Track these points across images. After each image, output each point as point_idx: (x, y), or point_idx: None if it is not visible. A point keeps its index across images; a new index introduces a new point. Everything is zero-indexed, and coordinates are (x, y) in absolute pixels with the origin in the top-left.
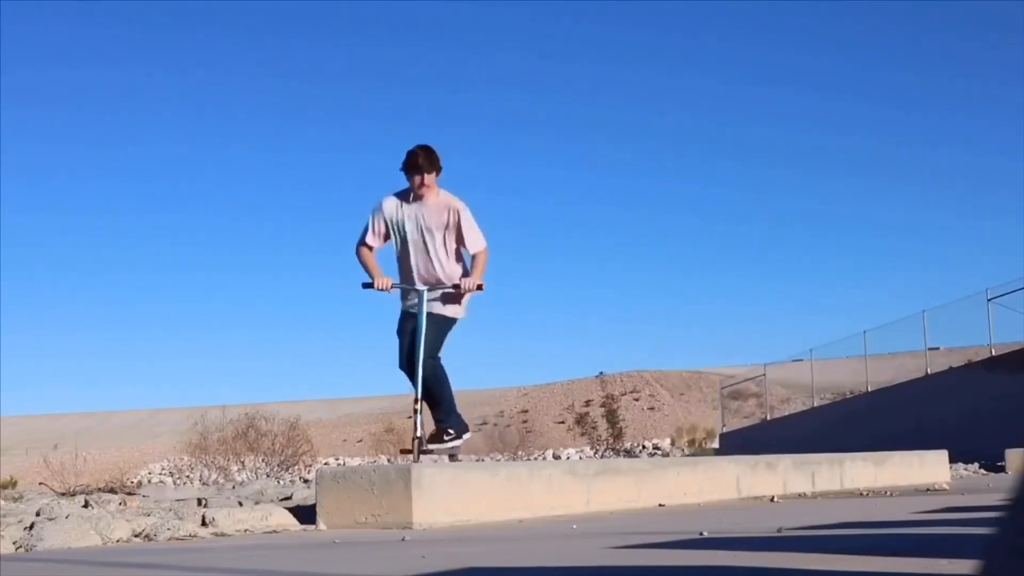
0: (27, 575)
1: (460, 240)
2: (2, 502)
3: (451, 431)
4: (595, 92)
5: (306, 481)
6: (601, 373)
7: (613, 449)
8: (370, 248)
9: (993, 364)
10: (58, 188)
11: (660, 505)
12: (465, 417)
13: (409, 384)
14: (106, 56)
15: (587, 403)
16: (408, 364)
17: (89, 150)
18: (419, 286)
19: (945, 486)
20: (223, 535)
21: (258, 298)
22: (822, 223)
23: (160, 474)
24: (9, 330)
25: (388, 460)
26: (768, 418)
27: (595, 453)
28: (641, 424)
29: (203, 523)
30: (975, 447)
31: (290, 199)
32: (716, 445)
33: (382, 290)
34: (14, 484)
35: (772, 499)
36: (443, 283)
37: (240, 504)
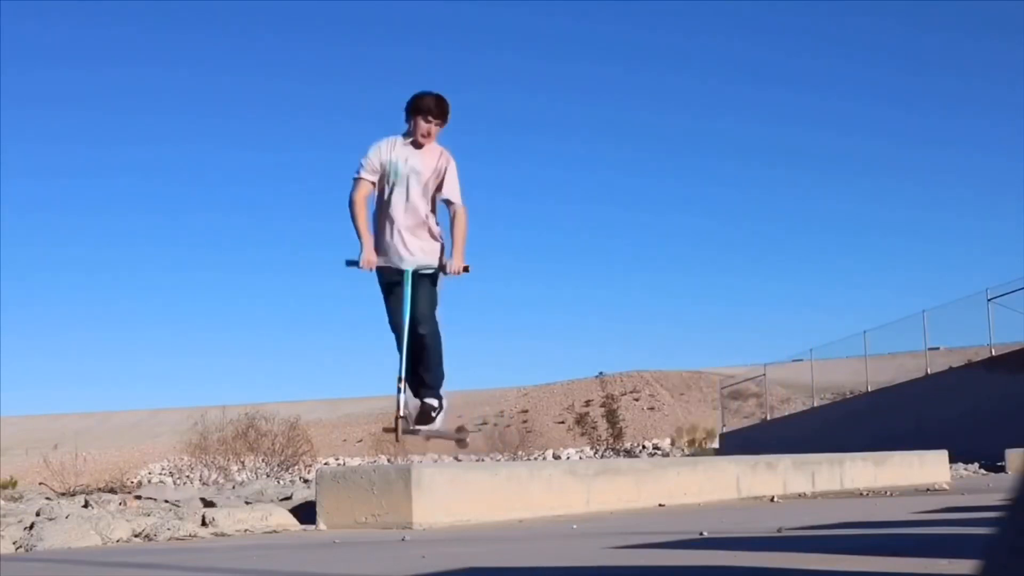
0: (27, 575)
1: (441, 189)
2: (2, 502)
3: (436, 407)
4: (595, 92)
5: (306, 481)
6: (601, 373)
7: (613, 449)
8: (368, 186)
9: (993, 364)
10: (58, 188)
11: (660, 505)
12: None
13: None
14: (106, 56)
15: (587, 403)
16: (397, 325)
17: (89, 150)
18: (403, 250)
19: (945, 486)
20: (223, 535)
21: (258, 298)
22: (822, 223)
23: (160, 474)
24: (9, 330)
25: (388, 460)
26: (768, 418)
27: (595, 453)
28: (641, 424)
29: (203, 523)
30: (975, 447)
31: (290, 199)
32: (716, 445)
33: (365, 269)
34: (14, 484)
35: (772, 499)
36: (423, 226)
37: (247, 503)
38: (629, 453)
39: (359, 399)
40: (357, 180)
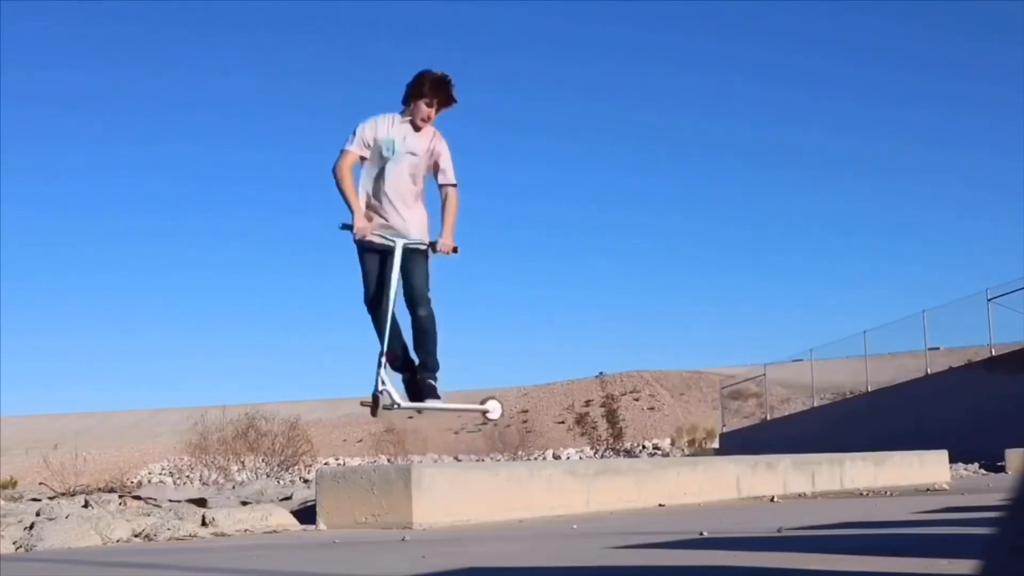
0: (27, 575)
1: (434, 170)
2: (2, 502)
3: (435, 381)
4: (595, 92)
5: (306, 481)
6: (601, 373)
7: (613, 449)
8: (354, 158)
9: (993, 364)
10: (58, 188)
11: (660, 505)
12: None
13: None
14: (105, 55)
15: (587, 403)
16: (377, 302)
17: (89, 150)
18: (398, 222)
19: (945, 486)
20: (223, 535)
21: (258, 298)
22: (822, 223)
23: (160, 474)
24: (9, 330)
25: (388, 460)
26: (768, 418)
27: (595, 453)
28: (641, 424)
29: (203, 523)
30: (975, 447)
31: (290, 199)
32: (716, 445)
33: (359, 236)
34: (14, 484)
35: (772, 499)
36: (416, 201)
37: (246, 503)
38: (629, 453)
39: (359, 399)
40: (345, 152)
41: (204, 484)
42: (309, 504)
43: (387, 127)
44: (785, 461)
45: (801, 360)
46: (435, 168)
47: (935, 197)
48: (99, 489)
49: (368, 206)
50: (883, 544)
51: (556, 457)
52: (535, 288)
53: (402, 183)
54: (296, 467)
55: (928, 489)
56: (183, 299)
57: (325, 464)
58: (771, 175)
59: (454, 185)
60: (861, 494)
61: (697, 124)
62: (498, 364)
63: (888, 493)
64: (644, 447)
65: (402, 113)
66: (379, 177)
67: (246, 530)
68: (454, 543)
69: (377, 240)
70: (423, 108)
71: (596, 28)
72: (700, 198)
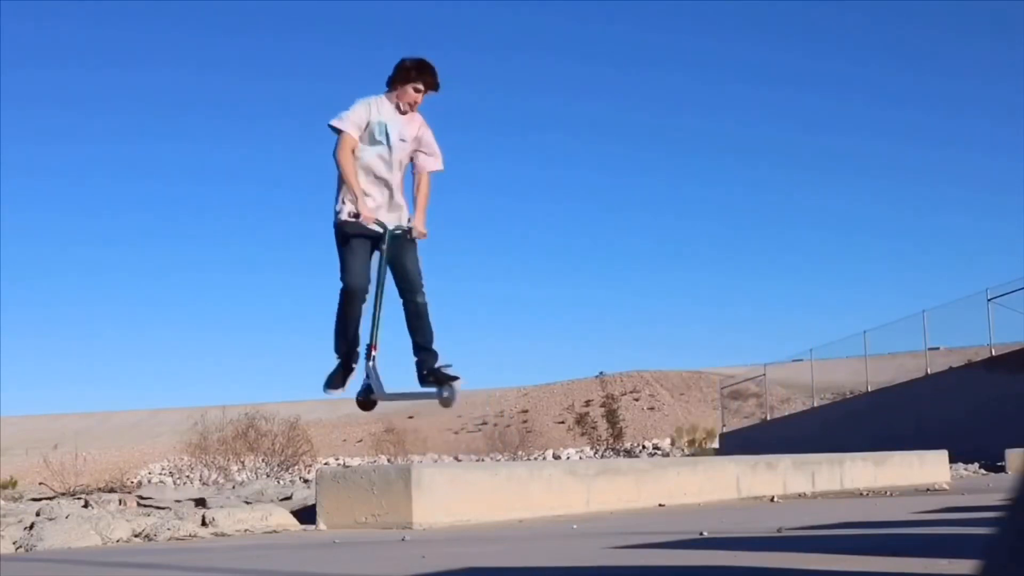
0: (27, 575)
1: (418, 155)
2: (2, 502)
3: (448, 366)
4: (594, 93)
5: (306, 481)
6: (601, 373)
7: (613, 449)
8: (354, 141)
9: (993, 364)
10: (58, 188)
11: (660, 505)
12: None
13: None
14: (107, 57)
15: (587, 403)
16: (364, 289)
17: (89, 150)
18: (391, 206)
19: (945, 486)
20: (223, 535)
21: (258, 298)
22: (822, 223)
23: (160, 474)
24: (9, 330)
25: (388, 460)
26: (768, 418)
27: (595, 453)
28: (641, 424)
29: (203, 523)
30: (975, 447)
31: (289, 199)
32: (716, 445)
33: (365, 223)
34: (14, 484)
35: (772, 499)
36: (400, 187)
37: (247, 503)
38: (629, 453)
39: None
40: (344, 133)
41: (204, 484)
42: (309, 504)
43: (378, 110)
44: (785, 461)
45: (801, 360)
46: (419, 154)
47: (935, 197)
48: (99, 489)
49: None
50: (883, 544)
51: (556, 457)
52: (535, 288)
53: (392, 171)
54: (296, 467)
55: (928, 489)
56: (183, 299)
57: (325, 464)
58: (771, 175)
59: (437, 171)
60: (861, 494)
61: (697, 124)
62: (498, 364)
63: (888, 493)
64: (644, 447)
65: (387, 97)
66: (368, 163)
67: (246, 530)
68: (454, 543)
69: (371, 224)
70: (411, 93)
71: (596, 29)
72: (700, 198)
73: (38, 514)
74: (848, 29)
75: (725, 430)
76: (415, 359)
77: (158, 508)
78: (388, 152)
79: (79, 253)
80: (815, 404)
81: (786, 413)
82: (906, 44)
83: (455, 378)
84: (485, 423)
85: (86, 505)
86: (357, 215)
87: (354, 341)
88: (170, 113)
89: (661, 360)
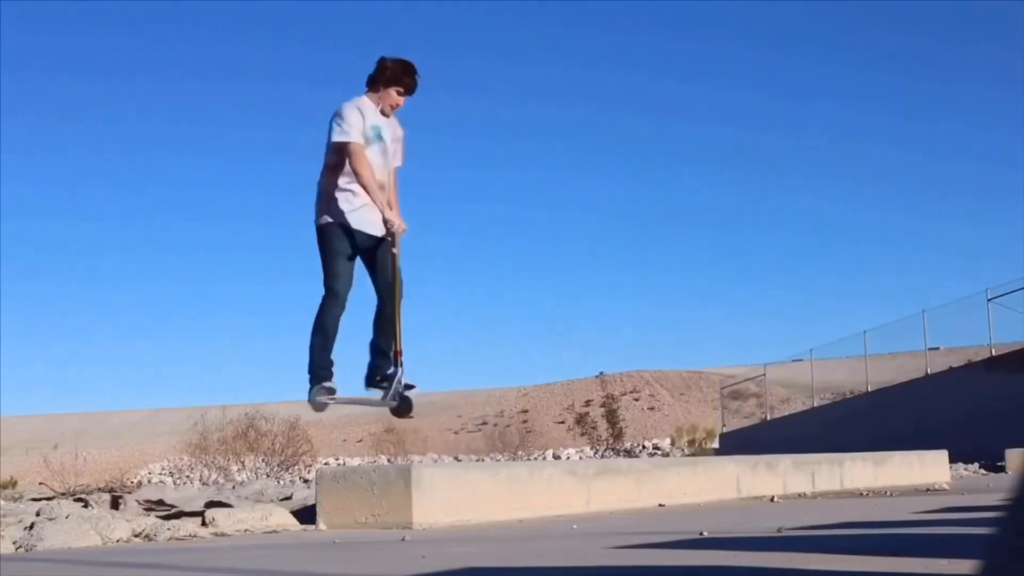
0: (27, 575)
1: (395, 156)
2: (2, 502)
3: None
4: (594, 97)
5: (306, 481)
6: (601, 373)
7: (613, 449)
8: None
9: (993, 364)
10: (58, 188)
11: (660, 505)
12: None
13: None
14: (112, 62)
15: (587, 403)
16: (345, 293)
17: (88, 153)
18: (386, 214)
19: (945, 486)
20: (223, 535)
21: (258, 298)
22: (822, 223)
23: (160, 474)
24: (9, 330)
25: (388, 460)
26: (768, 418)
27: (595, 453)
28: (641, 424)
29: (203, 523)
30: (975, 447)
31: (288, 200)
32: (716, 445)
33: (350, 229)
34: (14, 484)
35: (772, 499)
36: (390, 192)
37: (250, 500)
38: (629, 453)
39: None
40: (358, 145)
41: (204, 484)
42: (309, 504)
43: (371, 113)
44: (785, 461)
45: (801, 360)
46: (396, 155)
47: (935, 197)
48: (99, 489)
49: (345, 199)
50: (883, 544)
51: (556, 457)
52: (536, 288)
53: (380, 172)
54: (296, 467)
55: (928, 489)
56: (183, 299)
57: (325, 464)
58: (771, 177)
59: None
60: (861, 494)
61: (696, 127)
62: (498, 364)
63: (888, 493)
64: (644, 447)
65: (370, 99)
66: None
67: (246, 530)
68: (454, 543)
69: (366, 229)
70: (394, 96)
71: (598, 33)
72: (700, 199)
73: (38, 514)
74: (847, 35)
75: (725, 430)
76: (372, 361)
77: (164, 515)
78: (383, 156)
79: (79, 253)
80: (815, 404)
81: (786, 413)
82: (906, 50)
83: (409, 386)
84: (485, 423)
85: (86, 505)
86: (388, 227)
87: (330, 352)
88: (169, 117)
89: (661, 360)
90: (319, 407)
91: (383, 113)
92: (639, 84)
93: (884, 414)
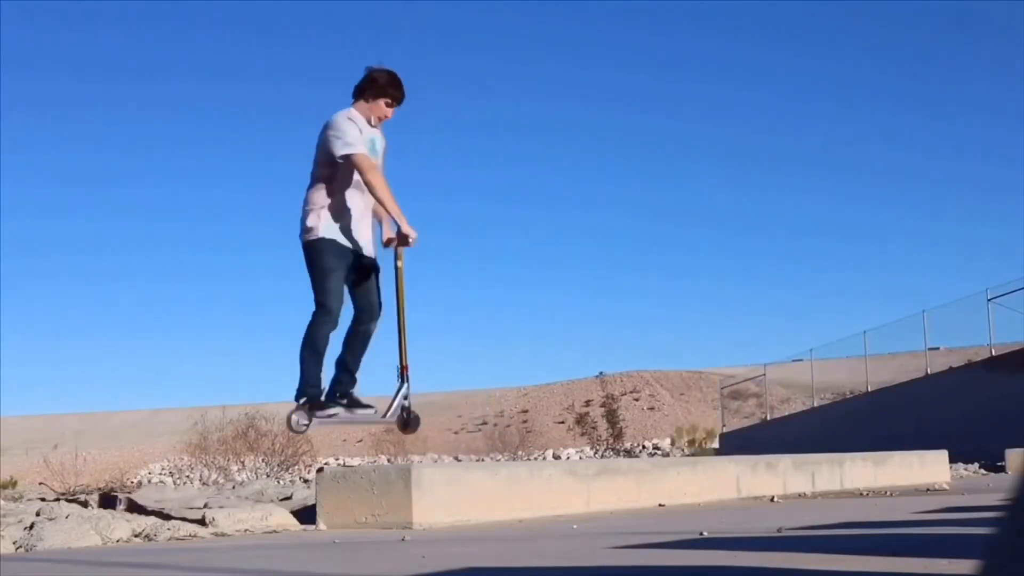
0: (27, 575)
1: None
2: (2, 502)
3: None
4: (594, 97)
5: (306, 481)
6: (601, 373)
7: (613, 449)
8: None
9: (993, 364)
10: (58, 188)
11: (660, 505)
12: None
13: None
14: (108, 62)
15: (587, 403)
16: (337, 309)
17: (88, 153)
18: (376, 232)
19: (945, 486)
20: (223, 535)
21: (258, 298)
22: (822, 223)
23: (160, 474)
24: (9, 330)
25: (388, 460)
26: (768, 418)
27: (595, 453)
28: (641, 424)
29: (203, 523)
30: (975, 447)
31: (288, 200)
32: (716, 445)
33: (342, 244)
34: (14, 484)
35: (772, 499)
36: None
37: (250, 499)
38: (629, 453)
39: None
40: (361, 155)
41: (204, 484)
42: (309, 504)
43: (364, 125)
44: (785, 461)
45: (801, 360)
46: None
47: (935, 197)
48: (99, 489)
49: (341, 215)
50: (883, 544)
51: (556, 457)
52: (535, 288)
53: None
54: (296, 467)
55: (928, 489)
56: (183, 299)
57: (325, 464)
58: (771, 177)
59: None
60: (861, 494)
61: (696, 128)
62: (498, 364)
63: (888, 493)
64: (644, 447)
65: (359, 110)
66: (357, 184)
67: (246, 530)
68: (454, 543)
69: (359, 246)
70: (383, 107)
71: (598, 34)
72: (700, 199)
73: (38, 514)
74: (850, 35)
75: (725, 430)
76: (336, 376)
77: (162, 516)
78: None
79: (79, 253)
80: (815, 404)
81: (786, 413)
82: (908, 51)
83: (367, 406)
84: (485, 423)
85: (86, 505)
86: (405, 237)
87: (320, 368)
88: (167, 117)
89: (661, 360)
90: (298, 429)
91: (371, 124)
92: (639, 84)
93: (884, 414)
